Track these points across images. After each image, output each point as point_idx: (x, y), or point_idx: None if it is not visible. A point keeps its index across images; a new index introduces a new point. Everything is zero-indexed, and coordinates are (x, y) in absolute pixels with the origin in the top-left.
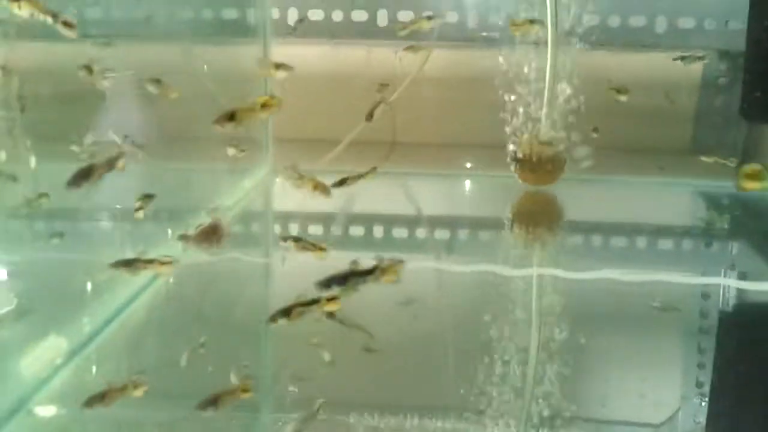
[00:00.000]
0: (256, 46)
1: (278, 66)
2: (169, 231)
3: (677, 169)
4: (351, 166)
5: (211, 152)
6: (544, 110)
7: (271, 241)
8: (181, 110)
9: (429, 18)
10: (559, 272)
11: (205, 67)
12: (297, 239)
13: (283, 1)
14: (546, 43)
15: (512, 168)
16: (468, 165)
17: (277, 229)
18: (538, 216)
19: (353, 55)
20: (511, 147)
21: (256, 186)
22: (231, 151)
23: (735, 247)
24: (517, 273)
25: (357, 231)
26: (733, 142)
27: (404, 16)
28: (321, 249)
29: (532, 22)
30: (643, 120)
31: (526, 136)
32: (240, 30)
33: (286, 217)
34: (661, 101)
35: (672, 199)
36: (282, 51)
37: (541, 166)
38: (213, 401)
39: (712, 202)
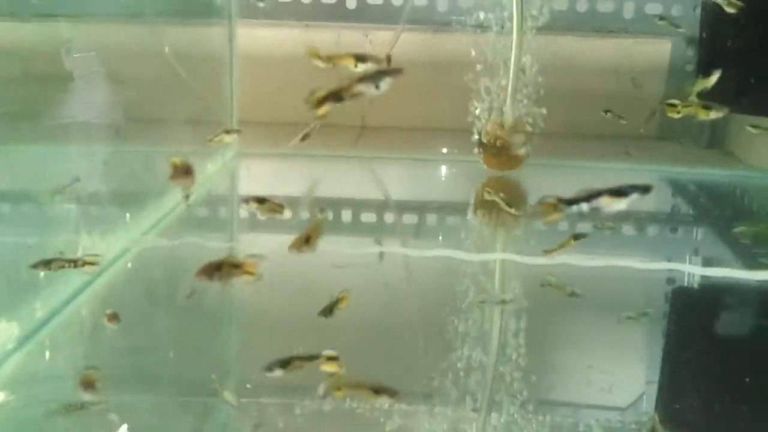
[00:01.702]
0: (221, 27)
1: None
2: (128, 215)
3: (644, 155)
4: (320, 150)
5: (174, 135)
6: (508, 96)
7: (236, 225)
8: (145, 92)
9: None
10: (516, 257)
11: (167, 48)
12: (261, 200)
13: None
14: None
15: (477, 153)
16: (444, 150)
17: (240, 213)
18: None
19: (323, 38)
20: (475, 133)
21: (221, 169)
22: (227, 138)
23: (697, 232)
24: (476, 257)
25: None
26: (700, 128)
27: None
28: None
29: None
30: (611, 106)
31: (490, 122)
32: (206, 11)
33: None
34: (629, 87)
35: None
36: (251, 33)
37: (504, 151)
38: None
39: (677, 187)
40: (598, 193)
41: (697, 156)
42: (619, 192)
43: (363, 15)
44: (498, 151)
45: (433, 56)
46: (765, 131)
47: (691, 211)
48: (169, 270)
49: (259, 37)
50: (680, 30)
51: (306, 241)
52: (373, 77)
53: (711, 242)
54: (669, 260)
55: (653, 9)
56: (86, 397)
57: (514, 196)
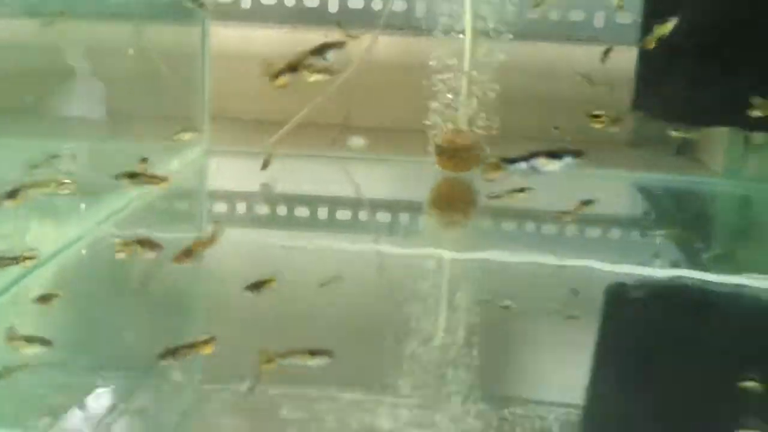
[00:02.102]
0: (195, 27)
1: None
2: (83, 206)
3: (615, 161)
4: (297, 149)
5: (143, 130)
6: (462, 100)
7: (199, 218)
8: (116, 89)
9: None
10: (460, 255)
11: (131, 50)
12: (132, 174)
13: None
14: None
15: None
16: None
17: (209, 206)
18: (454, 201)
19: (304, 40)
20: (431, 134)
21: (188, 165)
22: (186, 136)
23: (657, 236)
24: (426, 253)
25: (281, 210)
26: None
27: (355, 2)
28: (162, 180)
29: None
30: (583, 112)
31: (445, 124)
32: (178, 12)
33: (215, 196)
34: (602, 93)
35: (605, 189)
36: (231, 33)
37: (458, 153)
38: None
39: (643, 192)
40: (536, 154)
41: (667, 162)
42: (554, 154)
43: (344, 18)
44: (452, 154)
45: (410, 59)
46: (684, 134)
47: (653, 215)
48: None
49: (242, 39)
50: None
51: (188, 253)
52: (321, 50)
53: (667, 244)
54: (614, 262)
55: (624, 18)
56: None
57: (467, 196)
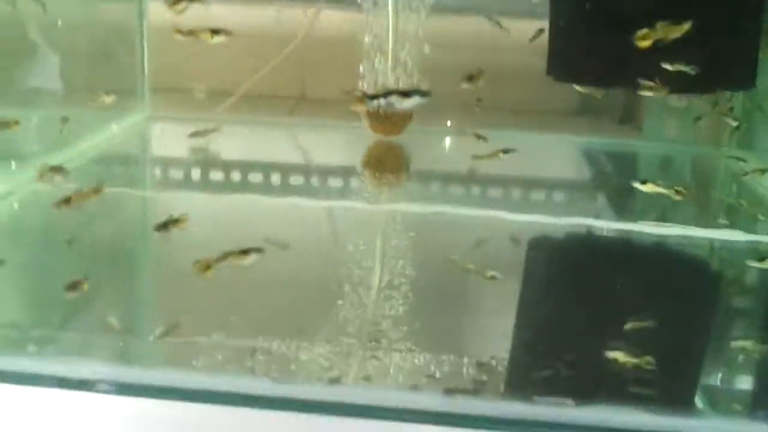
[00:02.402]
0: (130, 3)
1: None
2: (13, 163)
3: (564, 128)
4: (250, 116)
5: (77, 98)
6: (390, 68)
7: (135, 180)
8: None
9: None
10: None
11: (59, 21)
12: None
13: None
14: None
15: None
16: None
17: (151, 172)
18: (386, 164)
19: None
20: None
21: (126, 130)
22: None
23: (577, 192)
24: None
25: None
26: (622, 102)
27: None
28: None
29: None
30: (528, 81)
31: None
32: None
33: (153, 161)
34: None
35: (549, 153)
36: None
37: (387, 118)
38: None
39: (589, 156)
40: (391, 92)
41: (611, 130)
42: (405, 93)
43: None
44: (381, 118)
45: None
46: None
47: (584, 174)
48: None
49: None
50: None
51: (67, 200)
52: None
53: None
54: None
55: None
56: None
57: (397, 158)
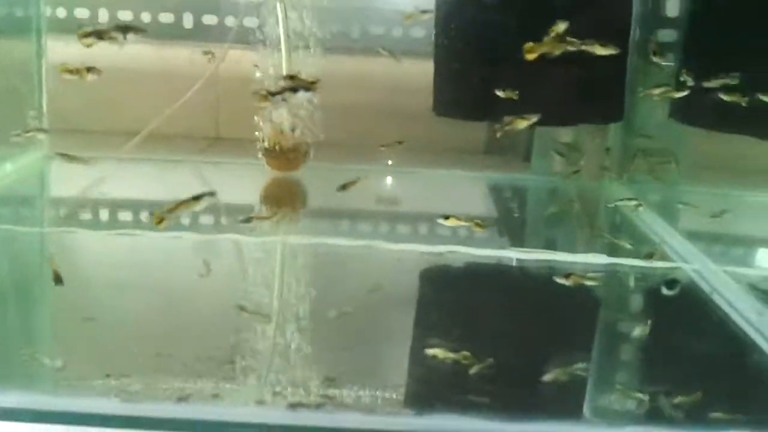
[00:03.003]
0: (29, 43)
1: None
2: None
3: (472, 166)
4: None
5: None
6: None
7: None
8: None
9: None
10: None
11: None
12: None
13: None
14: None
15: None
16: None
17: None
18: (284, 199)
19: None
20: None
21: (20, 169)
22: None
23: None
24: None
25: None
26: (526, 142)
27: (209, 20)
28: None
29: None
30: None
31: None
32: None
33: (47, 201)
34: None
35: (455, 189)
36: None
37: (283, 154)
38: None
39: (487, 190)
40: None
41: (514, 167)
42: (294, 89)
43: (197, 34)
44: (277, 155)
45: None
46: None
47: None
48: None
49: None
50: None
51: None
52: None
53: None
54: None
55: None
56: None
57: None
